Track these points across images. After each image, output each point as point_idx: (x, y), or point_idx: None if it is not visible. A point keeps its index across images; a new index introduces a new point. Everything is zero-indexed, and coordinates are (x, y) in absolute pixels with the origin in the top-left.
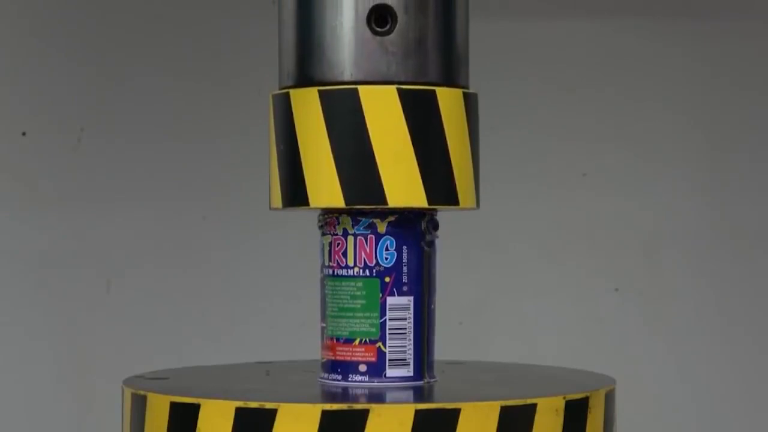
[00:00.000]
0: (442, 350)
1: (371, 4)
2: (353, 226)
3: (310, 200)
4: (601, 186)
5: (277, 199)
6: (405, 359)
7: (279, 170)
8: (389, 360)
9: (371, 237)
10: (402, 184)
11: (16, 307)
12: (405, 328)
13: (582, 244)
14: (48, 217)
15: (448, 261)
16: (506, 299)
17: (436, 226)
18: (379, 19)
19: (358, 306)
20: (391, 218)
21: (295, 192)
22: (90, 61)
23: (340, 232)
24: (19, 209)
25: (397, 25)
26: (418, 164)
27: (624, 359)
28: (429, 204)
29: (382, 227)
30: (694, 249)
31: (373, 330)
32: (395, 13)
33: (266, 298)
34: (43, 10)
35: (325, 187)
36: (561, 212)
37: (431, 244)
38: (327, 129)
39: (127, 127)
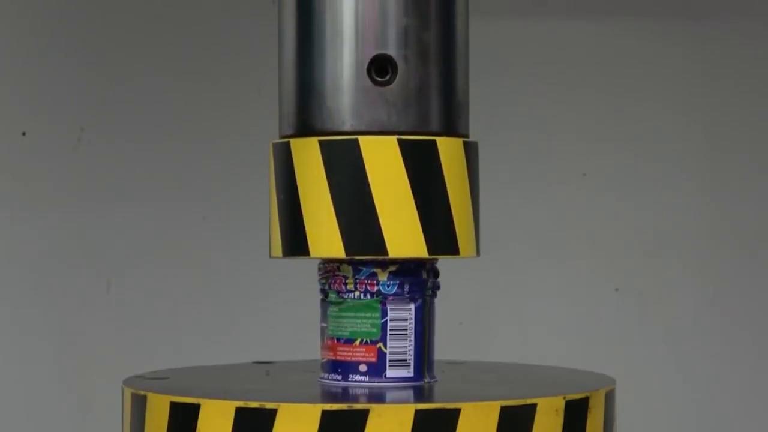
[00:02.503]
0: (442, 350)
1: (371, 54)
2: (354, 276)
3: (311, 250)
4: (601, 186)
5: (277, 249)
6: (405, 360)
7: (279, 219)
8: (389, 360)
9: (372, 282)
10: (402, 235)
11: (16, 307)
12: (406, 329)
13: (582, 244)
14: (48, 217)
15: (448, 261)
16: (506, 299)
17: (436, 275)
18: (379, 69)
19: (360, 306)
20: (392, 268)
21: (295, 242)
22: (90, 61)
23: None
24: (19, 209)
25: (398, 75)
26: (419, 214)
27: (624, 359)
28: (429, 254)
29: (383, 276)
30: (694, 249)
31: (374, 330)
32: (395, 63)
33: (266, 298)
34: (43, 10)
35: (325, 237)
36: (561, 212)
37: (432, 290)
38: (327, 179)
39: (127, 127)
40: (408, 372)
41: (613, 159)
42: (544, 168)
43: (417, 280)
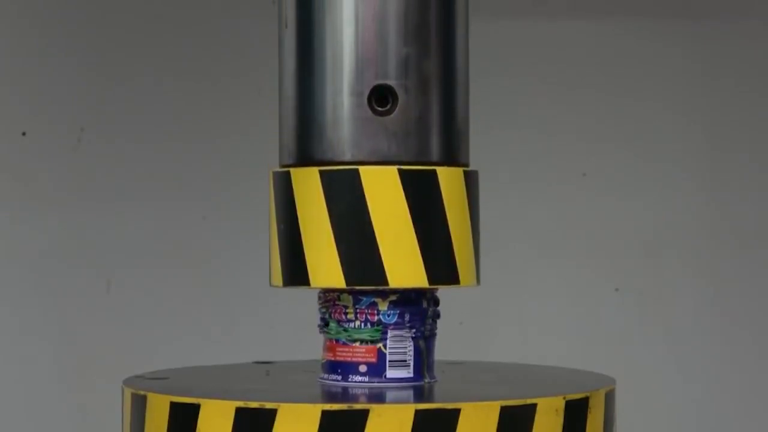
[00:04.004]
0: (442, 350)
1: (372, 84)
2: (354, 305)
3: (311, 280)
4: (601, 186)
5: (277, 277)
6: (405, 360)
7: (279, 249)
8: (389, 361)
9: (372, 312)
10: (403, 265)
11: (16, 307)
12: (404, 335)
13: (582, 244)
14: (48, 217)
15: None
16: (506, 299)
17: (437, 303)
18: (379, 99)
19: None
20: (393, 297)
21: (295, 271)
22: (90, 61)
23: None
24: (19, 209)
25: (398, 105)
26: (419, 244)
27: (624, 359)
28: (430, 283)
29: (383, 306)
30: (694, 249)
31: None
32: (396, 92)
33: (266, 298)
34: (43, 10)
35: (325, 267)
36: (561, 212)
37: (433, 319)
38: (328, 209)
39: (127, 127)
40: (408, 372)
41: (613, 159)
42: (544, 168)
43: (417, 309)
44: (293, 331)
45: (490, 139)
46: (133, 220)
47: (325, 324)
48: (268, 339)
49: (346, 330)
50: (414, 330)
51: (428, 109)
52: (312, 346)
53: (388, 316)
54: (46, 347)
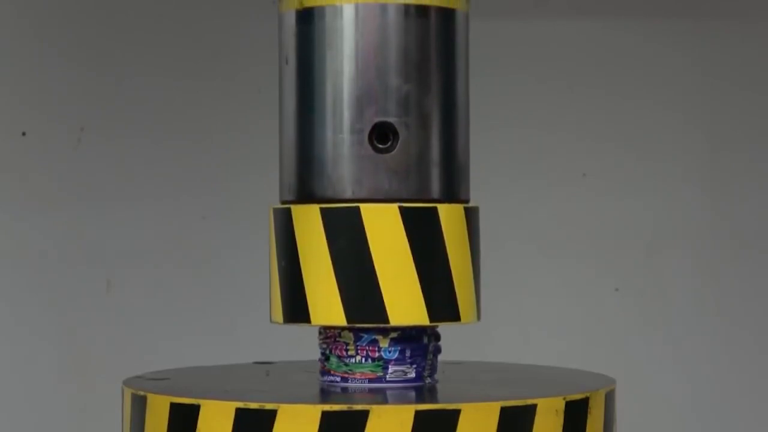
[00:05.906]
0: (442, 350)
1: (373, 122)
2: (355, 342)
3: (312, 318)
4: (601, 186)
5: (278, 314)
6: (405, 361)
7: (280, 286)
8: (389, 362)
9: (373, 348)
10: (403, 302)
11: (16, 307)
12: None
13: (582, 244)
14: (48, 217)
15: None
16: (506, 299)
17: (437, 338)
18: (380, 136)
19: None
20: (394, 334)
21: (296, 308)
22: (90, 61)
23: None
24: (19, 209)
25: (399, 142)
26: (420, 282)
27: (624, 359)
28: (431, 321)
29: (384, 342)
30: (694, 249)
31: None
32: (396, 129)
33: (266, 298)
34: (42, 10)
35: (326, 304)
36: (561, 212)
37: (434, 354)
38: (328, 246)
39: (127, 127)
40: (408, 374)
41: (613, 159)
42: (544, 168)
43: (418, 345)
44: (293, 331)
45: (490, 139)
46: (133, 220)
47: (326, 359)
48: (268, 339)
49: (347, 365)
50: (415, 366)
51: (429, 146)
52: (312, 346)
53: (390, 352)
54: (46, 347)
